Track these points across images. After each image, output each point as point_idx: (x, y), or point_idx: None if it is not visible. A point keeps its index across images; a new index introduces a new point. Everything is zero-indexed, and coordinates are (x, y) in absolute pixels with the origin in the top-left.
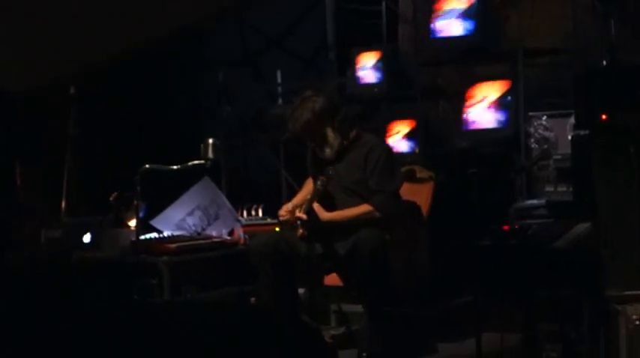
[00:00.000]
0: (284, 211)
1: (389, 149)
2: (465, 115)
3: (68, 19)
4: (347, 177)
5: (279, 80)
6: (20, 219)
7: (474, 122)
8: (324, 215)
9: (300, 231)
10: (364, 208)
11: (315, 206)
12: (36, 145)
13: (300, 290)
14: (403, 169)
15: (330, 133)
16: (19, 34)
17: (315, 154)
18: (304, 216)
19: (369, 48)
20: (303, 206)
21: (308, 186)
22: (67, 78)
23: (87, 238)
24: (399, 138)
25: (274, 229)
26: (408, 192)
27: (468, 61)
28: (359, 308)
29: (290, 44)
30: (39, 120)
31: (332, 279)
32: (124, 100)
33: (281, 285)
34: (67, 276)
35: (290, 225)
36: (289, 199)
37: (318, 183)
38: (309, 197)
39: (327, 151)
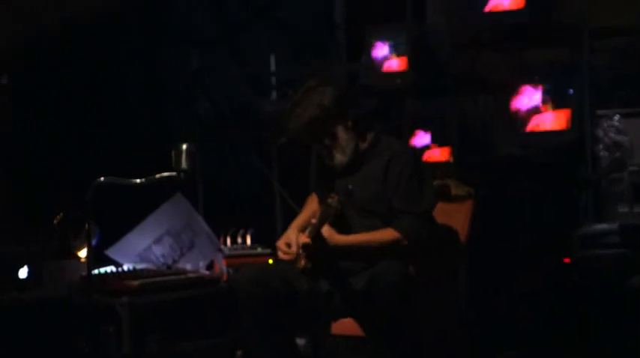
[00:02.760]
0: (284, 245)
1: (417, 158)
2: (512, 114)
3: None
4: (363, 193)
5: (272, 67)
6: None
7: (524, 122)
8: (336, 238)
9: (302, 262)
10: (389, 234)
11: (325, 230)
12: None
13: (301, 341)
14: (435, 184)
15: (342, 134)
16: None
17: (321, 163)
18: (308, 240)
19: (389, 26)
20: (308, 229)
21: (311, 205)
22: None
23: (23, 273)
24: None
25: (266, 261)
26: (441, 213)
27: (517, 42)
28: None
29: (284, 19)
30: None
31: (342, 327)
32: (69, 92)
33: (275, 334)
34: None
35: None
36: (286, 224)
37: (331, 200)
38: (315, 219)
39: (339, 157)
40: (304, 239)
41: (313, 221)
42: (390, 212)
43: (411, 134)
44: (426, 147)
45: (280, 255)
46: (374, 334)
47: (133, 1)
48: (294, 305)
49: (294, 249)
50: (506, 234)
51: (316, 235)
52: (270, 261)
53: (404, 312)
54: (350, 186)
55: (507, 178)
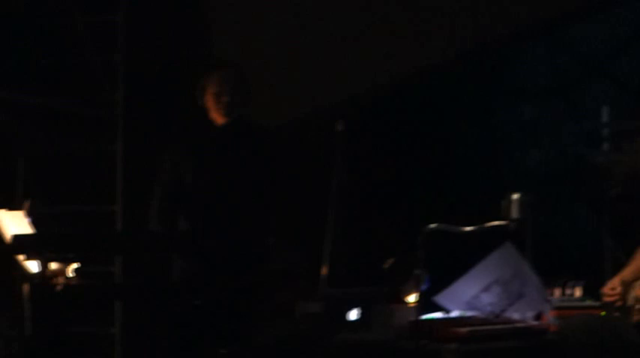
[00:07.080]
0: (609, 288)
1: None
2: None
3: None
4: None
5: (604, 118)
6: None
7: None
8: None
9: (636, 315)
10: None
11: None
12: (291, 191)
13: None
14: None
15: None
16: (274, 59)
17: None
18: None
19: None
20: None
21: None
22: (330, 110)
23: (353, 315)
24: None
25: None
26: None
27: None
28: None
29: (619, 70)
30: (297, 159)
31: None
32: (399, 140)
33: None
34: None
35: (620, 308)
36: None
37: None
38: None
39: None
40: None
41: None
42: None
43: None
44: None
45: (604, 298)
46: None
47: (468, 53)
48: None
49: (616, 283)
50: None
51: None
52: (603, 313)
53: None
54: None
55: None
